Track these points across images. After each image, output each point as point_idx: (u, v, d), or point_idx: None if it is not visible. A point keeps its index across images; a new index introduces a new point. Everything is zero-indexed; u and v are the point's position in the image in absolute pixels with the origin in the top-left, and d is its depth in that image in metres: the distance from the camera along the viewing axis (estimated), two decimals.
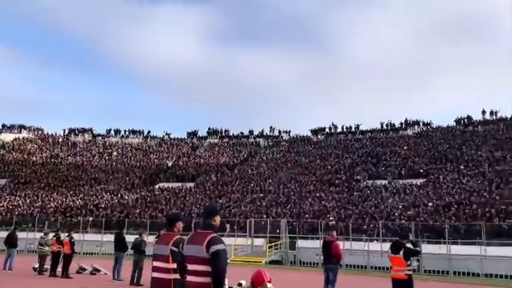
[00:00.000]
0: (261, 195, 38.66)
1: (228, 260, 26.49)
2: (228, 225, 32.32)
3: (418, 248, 8.90)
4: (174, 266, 5.29)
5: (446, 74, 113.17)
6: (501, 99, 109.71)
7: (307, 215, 32.43)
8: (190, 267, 4.28)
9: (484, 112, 45.87)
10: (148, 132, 60.05)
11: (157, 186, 45.15)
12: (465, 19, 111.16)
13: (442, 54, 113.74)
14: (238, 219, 32.49)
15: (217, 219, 4.47)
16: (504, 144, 38.53)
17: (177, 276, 5.12)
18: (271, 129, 56.72)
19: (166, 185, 45.21)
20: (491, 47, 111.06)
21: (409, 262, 8.56)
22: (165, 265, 5.59)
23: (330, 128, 53.63)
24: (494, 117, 45.17)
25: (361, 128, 51.65)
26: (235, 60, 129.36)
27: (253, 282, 5.58)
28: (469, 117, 46.39)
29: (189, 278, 4.27)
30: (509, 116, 44.37)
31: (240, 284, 12.98)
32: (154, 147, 57.09)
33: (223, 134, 58.03)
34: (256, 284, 5.46)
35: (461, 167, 36.38)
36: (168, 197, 41.25)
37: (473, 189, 31.20)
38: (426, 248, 23.82)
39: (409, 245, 8.72)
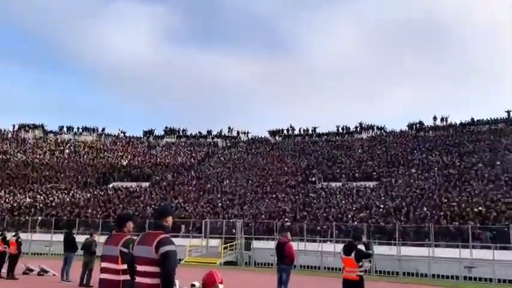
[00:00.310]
0: (218, 195, 38.52)
1: (182, 261, 26.32)
2: (183, 226, 32.07)
3: (370, 251, 9.04)
4: (124, 267, 5.17)
5: (401, 80, 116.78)
6: (451, 106, 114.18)
7: (263, 216, 32.58)
8: (139, 268, 4.22)
9: (435, 118, 47.63)
10: (103, 129, 58.65)
11: (111, 186, 44.16)
12: (420, 30, 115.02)
13: (398, 62, 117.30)
14: (194, 219, 32.25)
15: (169, 219, 4.41)
16: (453, 149, 40.10)
17: (127, 277, 5.01)
18: (230, 129, 56.76)
19: (120, 184, 44.29)
20: (445, 57, 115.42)
21: (360, 263, 8.68)
22: (114, 266, 5.45)
23: (287, 130, 54.15)
24: (444, 123, 46.95)
25: (318, 130, 52.49)
26: (194, 59, 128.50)
27: (204, 283, 5.51)
28: (420, 123, 47.99)
29: (138, 279, 4.21)
30: (458, 122, 46.25)
31: (193, 285, 12.83)
32: (108, 145, 55.78)
33: (181, 133, 57.47)
34: (208, 285, 5.40)
35: (413, 170, 37.56)
36: (122, 196, 40.41)
37: (423, 192, 32.28)
38: (377, 249, 24.42)
39: (361, 247, 8.84)
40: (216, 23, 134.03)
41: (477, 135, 42.18)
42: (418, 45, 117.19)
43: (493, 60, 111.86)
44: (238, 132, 56.44)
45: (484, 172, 33.46)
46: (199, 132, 57.03)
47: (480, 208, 27.06)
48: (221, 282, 5.38)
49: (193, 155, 51.33)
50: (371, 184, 36.72)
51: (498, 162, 34.78)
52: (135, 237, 4.66)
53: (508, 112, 44.19)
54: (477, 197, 29.07)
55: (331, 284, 14.32)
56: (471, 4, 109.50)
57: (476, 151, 38.46)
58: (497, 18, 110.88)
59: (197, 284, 12.38)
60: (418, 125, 47.86)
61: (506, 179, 31.35)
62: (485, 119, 44.99)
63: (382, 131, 49.56)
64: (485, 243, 23.98)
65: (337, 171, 40.88)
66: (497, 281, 21.03)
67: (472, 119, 45.54)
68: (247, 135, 56.16)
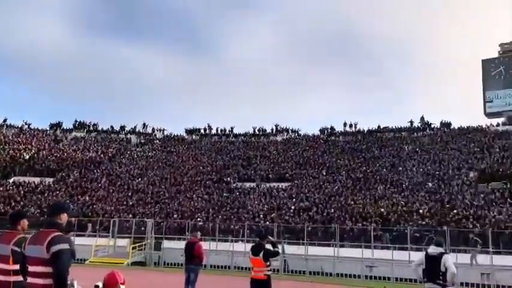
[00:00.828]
0: (129, 194, 37.37)
1: (87, 261, 25.17)
2: (89, 225, 30.84)
3: (277, 249, 9.20)
4: (15, 267, 4.91)
5: (316, 86, 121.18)
6: (360, 112, 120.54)
7: (175, 215, 32.16)
8: (31, 268, 4.02)
9: (345, 124, 49.86)
10: (5, 120, 54.28)
11: (11, 180, 41.11)
12: (335, 40, 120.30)
13: (314, 69, 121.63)
14: (102, 218, 31.04)
15: (64, 217, 4.19)
16: (360, 154, 42.27)
17: (18, 278, 4.74)
18: (144, 126, 55.13)
19: (22, 179, 41.39)
20: (357, 67, 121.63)
21: (268, 263, 8.79)
22: (5, 266, 5.16)
23: (204, 129, 53.82)
24: (353, 129, 49.33)
25: (235, 131, 52.79)
26: (110, 52, 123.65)
27: (105, 284, 5.29)
28: (332, 128, 49.99)
29: (30, 280, 4.04)
30: (366, 129, 48.77)
31: (96, 286, 12.31)
32: (10, 137, 51.79)
33: (91, 127, 54.86)
34: (109, 285, 5.19)
35: (323, 173, 39.06)
36: (23, 192, 37.82)
37: (331, 194, 33.69)
38: (287, 249, 25.16)
39: (268, 246, 8.96)
40: (135, 17, 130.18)
41: (382, 142, 44.78)
42: (334, 54, 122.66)
43: (400, 73, 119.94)
44: (153, 129, 55.06)
45: (387, 177, 35.65)
46: (112, 127, 54.80)
47: (382, 210, 28.78)
48: (123, 283, 5.19)
49: (104, 150, 49.24)
50: (283, 185, 37.63)
51: (400, 168, 37.23)
52: (28, 236, 4.39)
53: (411, 122, 47.50)
54: (380, 200, 30.89)
55: (239, 283, 14.40)
56: (381, 19, 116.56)
57: (381, 157, 40.85)
58: (404, 34, 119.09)
59: (100, 284, 11.89)
60: (329, 130, 49.82)
61: (407, 183, 33.65)
62: (390, 127, 47.86)
63: (296, 134, 50.99)
64: (385, 244, 25.53)
65: (252, 172, 41.41)
66: (395, 280, 22.46)
67: (379, 126, 48.23)
68: (163, 133, 55.00)
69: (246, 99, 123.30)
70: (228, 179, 40.20)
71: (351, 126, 49.35)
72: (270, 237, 9.33)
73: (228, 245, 27.28)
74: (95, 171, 43.35)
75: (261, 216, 30.84)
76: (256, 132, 51.99)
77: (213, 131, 53.41)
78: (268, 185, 38.08)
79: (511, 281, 20.38)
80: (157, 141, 52.71)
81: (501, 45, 47.53)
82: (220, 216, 31.54)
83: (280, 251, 9.52)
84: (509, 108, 44.43)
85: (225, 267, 25.86)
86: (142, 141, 52.77)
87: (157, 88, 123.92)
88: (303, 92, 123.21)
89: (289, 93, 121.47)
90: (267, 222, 29.08)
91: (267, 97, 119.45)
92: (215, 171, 42.03)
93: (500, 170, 32.80)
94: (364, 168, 38.66)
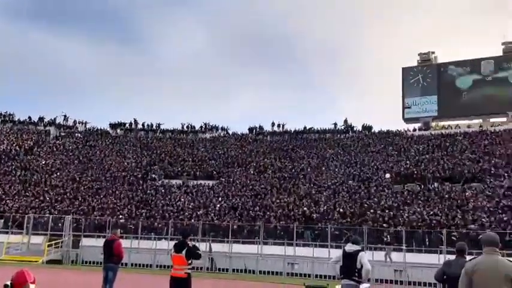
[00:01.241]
0: (46, 189, 35.45)
1: None
2: (1, 221, 29.02)
3: (199, 252, 9.07)
4: None
5: (248, 86, 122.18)
6: (288, 114, 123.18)
7: (96, 212, 30.97)
8: None
9: (273, 124, 50.58)
10: None
11: None
12: (266, 40, 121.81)
13: (245, 69, 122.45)
14: (15, 214, 29.22)
15: None
16: (286, 154, 43.09)
17: None
18: (65, 118, 52.36)
19: None
20: (288, 69, 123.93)
21: (190, 261, 8.68)
22: None
23: (130, 124, 52.19)
24: (281, 129, 50.18)
25: (163, 127, 51.70)
26: (30, 38, 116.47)
27: (14, 283, 4.94)
28: (260, 127, 50.53)
29: None
30: (293, 130, 49.80)
31: (6, 286, 11.57)
32: None
33: (7, 118, 51.31)
34: (17, 285, 4.85)
35: (251, 171, 39.37)
36: None
37: (258, 192, 34.05)
38: (213, 247, 25.14)
39: (192, 244, 8.87)
40: (60, 4, 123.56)
41: (308, 143, 45.93)
42: (265, 55, 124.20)
43: (327, 75, 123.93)
44: (74, 122, 52.45)
45: (311, 177, 36.63)
46: (29, 118, 51.51)
47: (305, 209, 29.53)
48: (33, 282, 4.88)
49: (20, 143, 46.23)
50: (210, 183, 37.47)
51: (323, 168, 38.40)
52: None
53: (335, 124, 49.13)
54: (303, 199, 31.68)
55: (158, 281, 14.14)
56: (311, 23, 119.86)
57: (306, 157, 41.89)
58: (333, 38, 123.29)
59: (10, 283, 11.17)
60: (258, 129, 50.29)
61: (330, 183, 34.78)
62: (315, 128, 49.17)
63: (225, 132, 50.96)
64: (307, 241, 26.23)
65: (179, 169, 40.84)
66: (315, 276, 23.11)
67: (305, 127, 49.41)
68: (85, 126, 52.62)
69: (175, 96, 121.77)
70: (154, 175, 39.37)
71: (279, 126, 50.16)
72: (191, 241, 9.20)
73: (150, 243, 26.74)
74: (9, 163, 40.70)
75: (186, 214, 30.52)
76: (185, 129, 51.35)
77: (140, 126, 51.98)
78: (195, 182, 37.76)
79: (421, 277, 21.65)
80: (79, 134, 50.35)
81: (420, 54, 50.56)
82: (144, 214, 30.83)
83: (201, 253, 9.39)
84: (426, 114, 47.52)
85: (147, 265, 25.33)
86: (63, 134, 50.22)
87: (82, 79, 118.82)
88: (233, 90, 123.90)
89: (219, 92, 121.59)
90: (192, 220, 28.82)
91: (197, 95, 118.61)
92: (140, 168, 41.00)
93: (415, 172, 34.83)
94: (290, 167, 39.44)
